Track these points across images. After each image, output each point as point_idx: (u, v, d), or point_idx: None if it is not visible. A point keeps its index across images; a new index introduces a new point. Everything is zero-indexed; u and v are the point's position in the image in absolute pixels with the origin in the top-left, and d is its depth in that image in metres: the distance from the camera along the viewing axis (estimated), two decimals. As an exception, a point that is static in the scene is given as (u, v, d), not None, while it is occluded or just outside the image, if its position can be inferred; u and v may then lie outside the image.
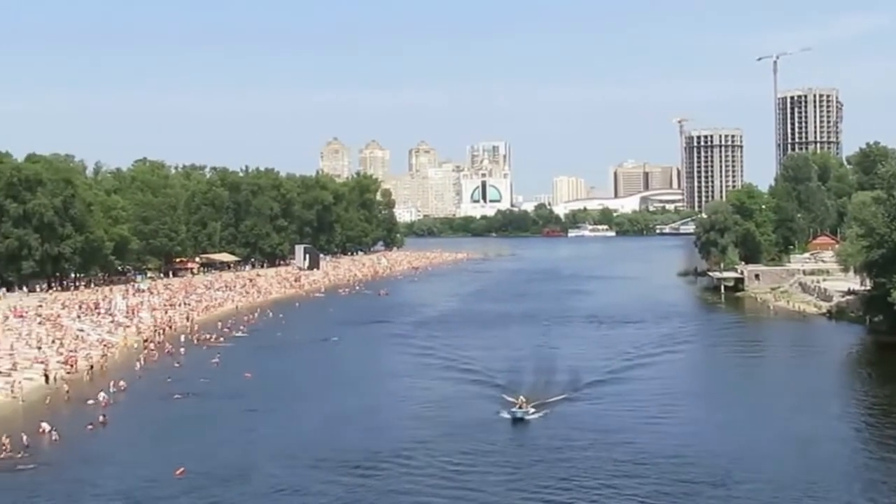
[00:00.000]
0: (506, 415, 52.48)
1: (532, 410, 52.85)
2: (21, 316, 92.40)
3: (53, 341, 79.45)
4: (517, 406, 52.91)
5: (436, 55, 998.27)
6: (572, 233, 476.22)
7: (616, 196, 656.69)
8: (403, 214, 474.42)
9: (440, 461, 43.92)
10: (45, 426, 49.89)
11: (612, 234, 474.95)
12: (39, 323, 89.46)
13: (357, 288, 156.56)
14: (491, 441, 47.68)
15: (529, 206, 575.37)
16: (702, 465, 42.57)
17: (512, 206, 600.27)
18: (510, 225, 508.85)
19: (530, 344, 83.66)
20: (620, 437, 48.19)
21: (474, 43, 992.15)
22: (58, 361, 70.45)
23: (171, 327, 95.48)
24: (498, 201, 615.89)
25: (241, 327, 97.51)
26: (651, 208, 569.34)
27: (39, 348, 76.25)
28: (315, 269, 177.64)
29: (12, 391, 59.76)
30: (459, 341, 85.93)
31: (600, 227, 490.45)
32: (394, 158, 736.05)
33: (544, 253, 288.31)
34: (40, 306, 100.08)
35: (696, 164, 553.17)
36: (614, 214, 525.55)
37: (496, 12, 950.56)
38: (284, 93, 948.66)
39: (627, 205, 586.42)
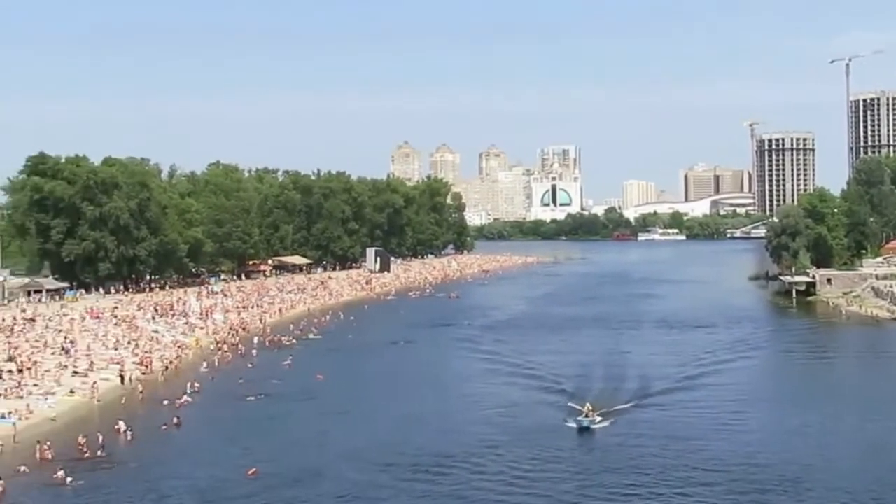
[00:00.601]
0: (572, 424, 51.37)
1: (599, 419, 51.73)
2: (98, 317, 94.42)
3: (129, 342, 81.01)
4: (583, 414, 51.81)
5: (506, 59, 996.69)
6: (642, 236, 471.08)
7: (686, 200, 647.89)
8: (473, 218, 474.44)
9: (509, 466, 43.68)
10: (121, 425, 50.86)
11: (683, 237, 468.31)
12: (115, 324, 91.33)
13: (427, 291, 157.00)
14: (558, 447, 47.10)
15: (599, 210, 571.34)
16: (773, 472, 41.79)
17: (582, 209, 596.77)
18: (580, 229, 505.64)
19: (599, 349, 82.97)
20: (690, 444, 47.33)
21: (544, 47, 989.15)
22: (133, 362, 71.77)
23: (243, 329, 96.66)
24: (568, 205, 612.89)
25: (313, 329, 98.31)
26: (722, 212, 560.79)
27: (115, 349, 77.86)
28: (386, 272, 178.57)
29: (92, 392, 60.98)
30: (528, 345, 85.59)
31: (670, 230, 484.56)
32: (464, 162, 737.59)
33: (614, 257, 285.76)
34: (116, 308, 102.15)
35: (767, 168, 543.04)
36: (684, 218, 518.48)
37: (566, 15, 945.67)
38: (356, 96, 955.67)
39: (698, 208, 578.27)
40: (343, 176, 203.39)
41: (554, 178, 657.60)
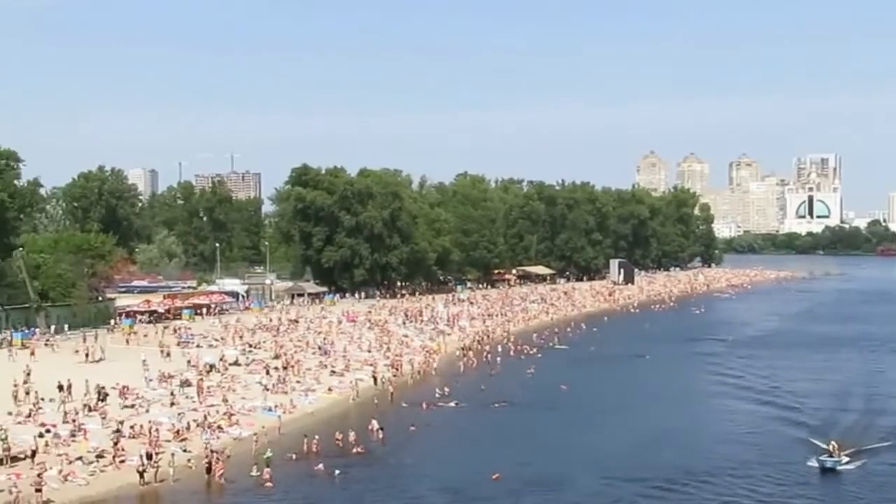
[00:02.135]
0: (813, 463, 45.71)
1: (846, 459, 45.75)
2: (353, 320, 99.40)
3: (381, 345, 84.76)
4: (828, 454, 46.00)
5: (755, 64, 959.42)
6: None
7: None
8: (722, 230, 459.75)
9: (748, 490, 42.26)
10: (374, 424, 53.17)
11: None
12: (369, 327, 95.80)
13: (672, 304, 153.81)
14: (799, 486, 43.35)
15: (861, 223, 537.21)
16: None
17: (841, 222, 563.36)
18: (839, 242, 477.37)
19: (856, 374, 77.63)
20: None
21: (795, 50, 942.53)
22: (385, 364, 74.83)
23: (488, 337, 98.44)
24: (826, 217, 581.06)
25: (556, 339, 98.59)
26: None
27: (369, 351, 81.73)
28: (629, 284, 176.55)
29: (352, 390, 64.33)
30: (777, 366, 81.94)
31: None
32: (713, 172, 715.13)
33: (878, 273, 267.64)
34: (370, 312, 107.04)
35: None
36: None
37: (816, 17, 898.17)
38: (600, 105, 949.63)
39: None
40: (587, 186, 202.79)
41: (811, 189, 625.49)
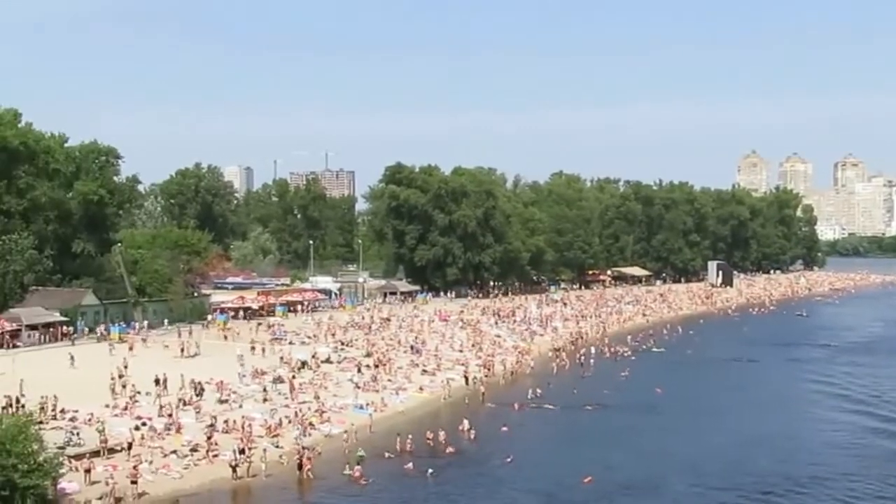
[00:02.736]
0: None
1: None
2: (445, 319, 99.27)
3: (473, 345, 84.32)
4: None
5: (863, 59, 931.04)
6: None
7: None
8: (826, 232, 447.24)
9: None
10: (465, 424, 52.87)
11: None
12: (461, 327, 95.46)
13: (771, 308, 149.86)
14: None
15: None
16: None
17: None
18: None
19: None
20: None
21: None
22: (476, 364, 74.45)
23: (581, 338, 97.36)
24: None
25: (651, 342, 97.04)
26: None
27: (460, 351, 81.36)
28: (728, 286, 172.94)
29: (443, 390, 64.05)
30: (880, 374, 78.92)
31: None
32: (817, 172, 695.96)
33: None
34: (462, 311, 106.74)
35: None
36: None
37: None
38: (699, 104, 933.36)
39: None
40: (685, 186, 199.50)
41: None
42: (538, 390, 65.28)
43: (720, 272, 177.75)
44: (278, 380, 61.50)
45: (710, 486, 42.40)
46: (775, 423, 57.80)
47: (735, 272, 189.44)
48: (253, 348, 71.58)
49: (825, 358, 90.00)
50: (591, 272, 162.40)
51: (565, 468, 45.00)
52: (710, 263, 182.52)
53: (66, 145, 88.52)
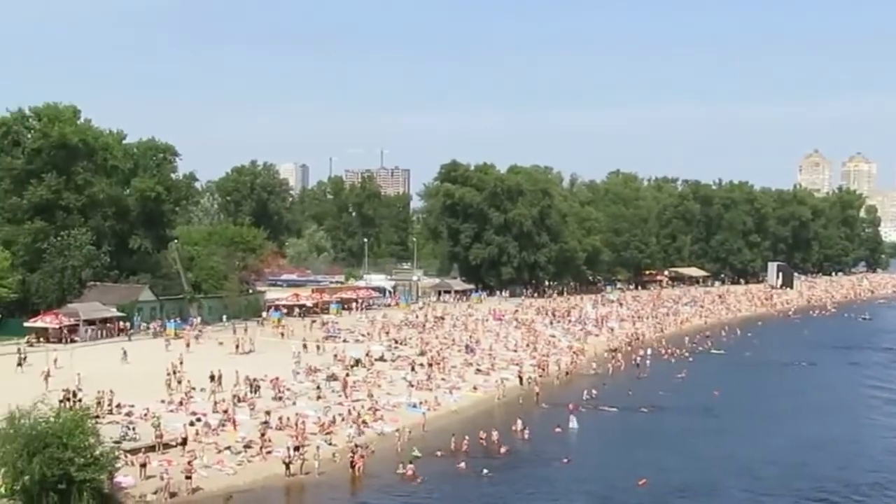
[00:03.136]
0: None
1: None
2: (500, 319, 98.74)
3: (527, 345, 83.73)
4: None
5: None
6: None
7: None
8: (890, 233, 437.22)
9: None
10: (519, 424, 52.49)
11: None
12: (515, 326, 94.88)
13: (832, 310, 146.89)
14: None
15: None
16: None
17: None
18: None
19: None
20: None
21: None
22: (530, 364, 73.95)
23: (637, 339, 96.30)
24: None
25: (709, 343, 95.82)
26: None
27: (515, 350, 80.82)
28: (788, 288, 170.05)
29: (497, 389, 63.68)
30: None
31: None
32: (881, 172, 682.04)
33: None
34: (517, 311, 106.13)
35: None
36: None
37: None
38: (760, 103, 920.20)
39: None
40: (745, 186, 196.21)
41: None
42: (593, 391, 64.79)
43: (780, 274, 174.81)
44: (332, 377, 61.50)
45: (766, 491, 41.66)
46: (835, 427, 56.62)
47: (795, 274, 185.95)
48: (305, 346, 71.63)
49: (887, 362, 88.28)
50: (647, 272, 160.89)
51: (620, 470, 44.48)
52: (769, 265, 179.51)
53: (124, 142, 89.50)
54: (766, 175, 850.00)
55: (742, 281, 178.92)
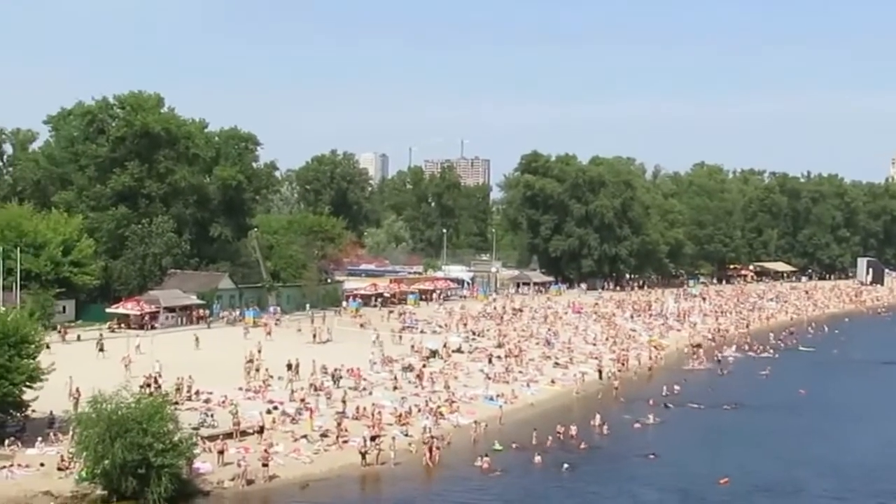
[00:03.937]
0: None
1: None
2: (579, 312, 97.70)
3: (607, 339, 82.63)
4: None
5: None
6: None
7: None
8: None
9: None
10: (597, 419, 51.71)
11: None
12: (595, 320, 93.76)
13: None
14: None
15: None
16: None
17: None
18: None
19: None
20: None
21: None
22: (610, 358, 72.98)
23: (720, 335, 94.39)
24: None
25: (794, 340, 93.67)
26: None
27: (594, 344, 79.81)
28: (878, 285, 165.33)
29: (575, 383, 63.01)
30: None
31: None
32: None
33: None
34: (597, 304, 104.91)
35: None
36: None
37: None
38: (853, 95, 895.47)
39: None
40: (835, 179, 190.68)
41: None
42: (675, 387, 63.67)
43: (870, 269, 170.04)
44: (408, 368, 61.36)
45: (851, 492, 40.55)
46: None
47: (887, 270, 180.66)
48: (378, 337, 71.43)
49: None
50: (732, 266, 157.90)
51: (700, 468, 43.55)
52: (859, 260, 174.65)
53: (206, 131, 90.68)
54: (857, 168, 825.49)
55: (830, 277, 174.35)
